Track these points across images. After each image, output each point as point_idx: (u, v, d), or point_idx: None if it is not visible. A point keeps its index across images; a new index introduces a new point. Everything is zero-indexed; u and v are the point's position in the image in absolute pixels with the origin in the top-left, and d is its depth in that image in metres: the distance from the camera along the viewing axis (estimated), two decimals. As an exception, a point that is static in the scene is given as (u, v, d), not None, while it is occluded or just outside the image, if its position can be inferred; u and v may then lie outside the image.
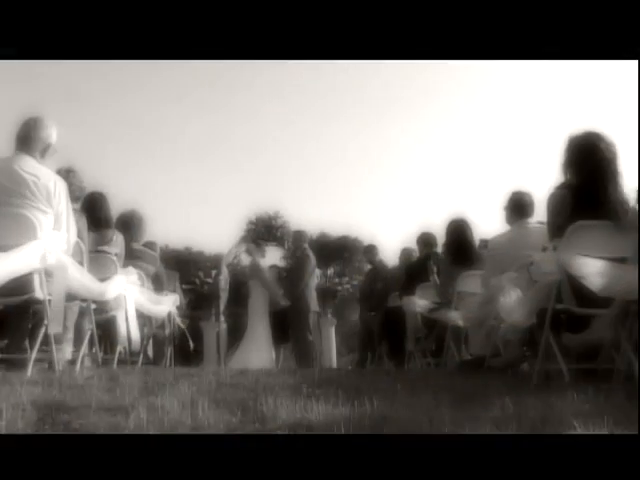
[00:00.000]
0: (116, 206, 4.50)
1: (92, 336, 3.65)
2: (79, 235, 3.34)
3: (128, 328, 3.96)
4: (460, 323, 4.17)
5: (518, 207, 3.78)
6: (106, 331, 4.05)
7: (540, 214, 3.68)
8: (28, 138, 3.03)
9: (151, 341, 4.95)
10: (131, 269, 4.11)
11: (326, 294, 7.85)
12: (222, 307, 7.42)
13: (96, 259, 3.73)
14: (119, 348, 4.04)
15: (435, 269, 4.87)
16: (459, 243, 4.55)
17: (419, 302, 4.79)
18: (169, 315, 5.04)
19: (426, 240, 5.52)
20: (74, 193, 3.52)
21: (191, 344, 5.25)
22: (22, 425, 1.59)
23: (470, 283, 4.14)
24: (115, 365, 3.91)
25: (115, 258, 3.91)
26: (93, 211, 3.97)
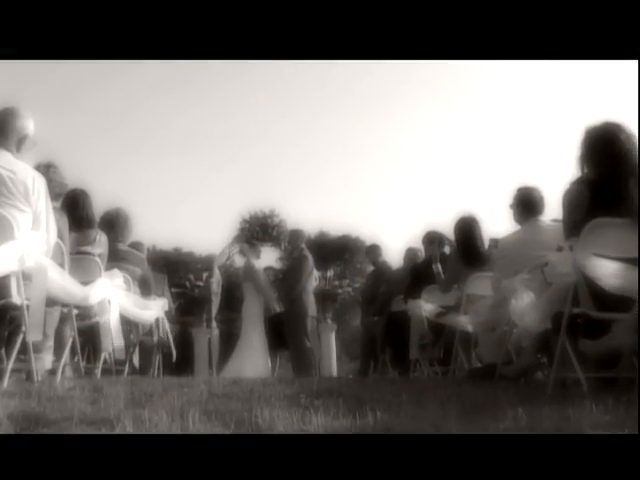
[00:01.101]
0: (99, 204, 4.50)
1: (74, 344, 3.64)
2: (59, 235, 3.32)
3: (112, 335, 3.95)
4: (469, 328, 4.17)
5: (527, 204, 3.78)
6: (89, 338, 4.05)
7: (551, 211, 3.69)
8: (1, 130, 3.01)
9: (137, 349, 4.94)
10: (116, 272, 4.10)
11: (325, 298, 7.85)
12: (214, 312, 7.41)
13: (78, 261, 3.72)
14: (103, 356, 4.04)
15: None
16: (468, 242, 4.55)
17: (425, 306, 4.78)
18: (157, 321, 5.03)
19: (432, 239, 5.52)
20: (54, 190, 3.50)
21: (174, 354, 5.23)
22: (-2, 440, 1.58)
23: (480, 285, 4.14)
24: (99, 375, 3.90)
25: (98, 260, 3.90)
26: (75, 209, 3.96)
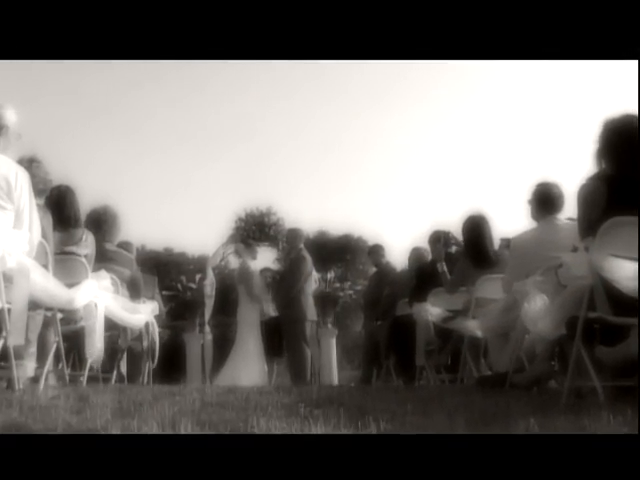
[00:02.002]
0: (86, 201, 4.50)
1: (58, 350, 3.64)
2: (43, 234, 3.32)
3: (95, 341, 3.94)
4: (478, 334, 4.17)
5: (545, 201, 3.77)
6: (74, 344, 4.04)
7: (570, 209, 3.68)
8: None
9: (126, 355, 4.94)
10: (103, 273, 4.09)
11: (326, 301, 7.84)
12: (207, 316, 7.42)
13: (63, 262, 3.72)
14: (89, 363, 4.03)
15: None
16: (477, 242, 4.55)
17: (432, 310, 4.78)
18: (147, 325, 5.02)
19: (438, 238, 5.52)
20: (38, 186, 3.49)
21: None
22: (-24, 452, 1.57)
23: (490, 288, 4.14)
24: (84, 383, 3.89)
25: (85, 260, 3.90)
26: (59, 207, 3.96)
